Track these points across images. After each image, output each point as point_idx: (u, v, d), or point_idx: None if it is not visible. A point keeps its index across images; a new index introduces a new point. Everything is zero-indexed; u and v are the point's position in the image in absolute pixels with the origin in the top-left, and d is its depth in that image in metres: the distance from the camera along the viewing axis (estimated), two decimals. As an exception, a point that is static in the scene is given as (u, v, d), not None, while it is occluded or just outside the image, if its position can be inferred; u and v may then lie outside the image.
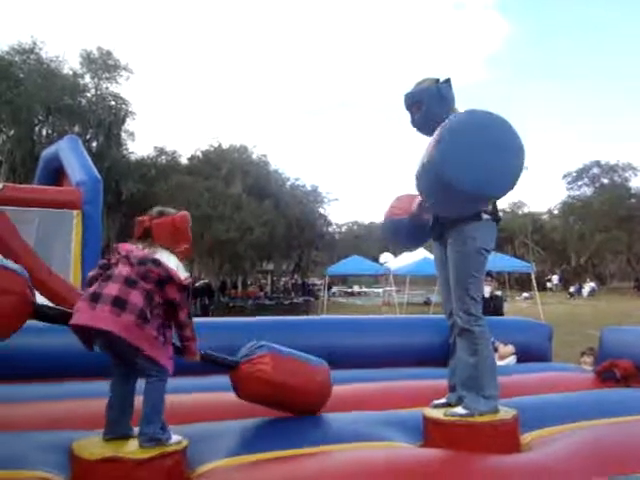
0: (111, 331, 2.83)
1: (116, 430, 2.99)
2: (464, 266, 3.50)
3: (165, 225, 3.18)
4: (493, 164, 3.16)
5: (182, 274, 3.08)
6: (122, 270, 2.99)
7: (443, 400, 3.66)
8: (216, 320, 6.88)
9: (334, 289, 46.83)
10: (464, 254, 3.51)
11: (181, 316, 3.07)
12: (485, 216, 3.53)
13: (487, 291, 8.40)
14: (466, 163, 3.13)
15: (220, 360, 3.68)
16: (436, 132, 3.27)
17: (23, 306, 3.10)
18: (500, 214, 3.75)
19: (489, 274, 8.70)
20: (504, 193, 3.33)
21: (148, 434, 2.87)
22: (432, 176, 3.26)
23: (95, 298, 2.90)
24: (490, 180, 3.17)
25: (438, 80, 3.67)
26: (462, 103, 3.70)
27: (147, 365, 2.94)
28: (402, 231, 4.07)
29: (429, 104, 3.62)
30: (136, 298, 2.90)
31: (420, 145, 3.57)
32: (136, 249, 3.08)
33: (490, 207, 3.57)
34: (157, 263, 3.01)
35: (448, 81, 3.67)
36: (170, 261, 3.08)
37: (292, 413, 3.80)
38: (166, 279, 3.00)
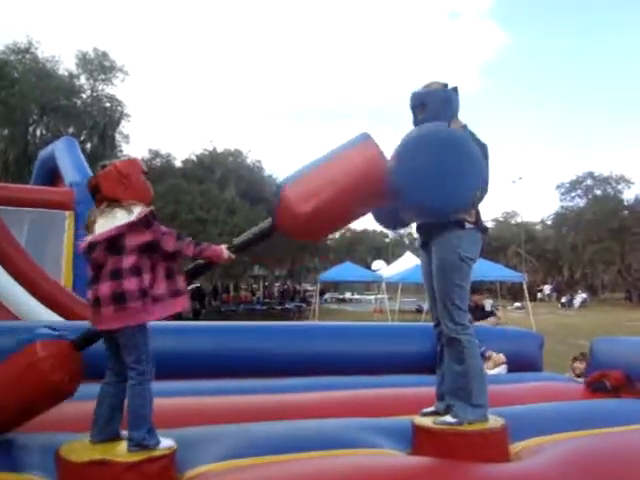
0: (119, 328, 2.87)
1: (105, 432, 2.97)
2: (449, 275, 3.49)
3: (109, 175, 3.01)
4: (451, 178, 3.27)
5: (139, 212, 2.93)
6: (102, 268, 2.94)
7: (432, 408, 3.65)
8: (208, 324, 6.85)
9: (326, 295, 46.77)
10: (448, 263, 3.50)
11: (168, 246, 2.94)
12: (468, 225, 3.53)
13: (489, 304, 8.45)
14: (415, 179, 3.31)
15: (253, 236, 3.41)
16: (398, 144, 3.44)
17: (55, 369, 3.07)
18: (485, 224, 3.75)
19: (488, 289, 8.86)
20: (460, 208, 3.40)
21: (135, 439, 2.86)
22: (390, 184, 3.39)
23: (96, 302, 2.91)
24: (448, 197, 3.31)
25: (446, 85, 3.68)
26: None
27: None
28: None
29: (434, 107, 3.61)
30: (130, 284, 2.87)
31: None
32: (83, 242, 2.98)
33: (473, 217, 3.58)
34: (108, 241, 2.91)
35: (455, 89, 3.69)
36: (119, 218, 2.93)
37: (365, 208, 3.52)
38: (126, 231, 2.90)
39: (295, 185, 3.37)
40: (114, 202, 2.97)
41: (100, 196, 3.00)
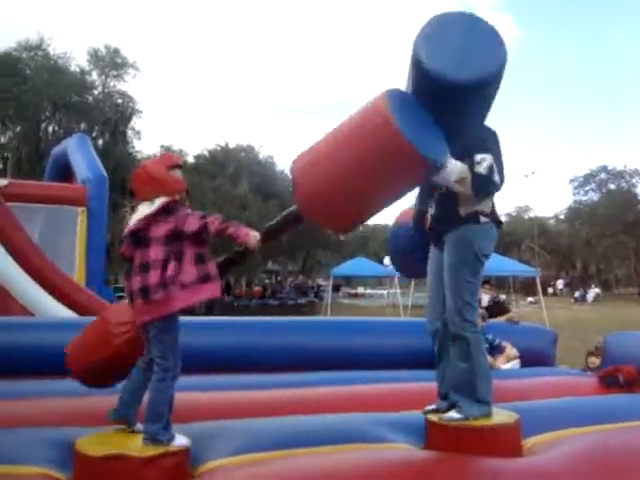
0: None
1: (120, 412, 3.04)
2: (460, 271, 3.44)
3: (139, 177, 3.05)
4: (468, 53, 3.02)
5: (159, 203, 2.95)
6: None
7: (433, 406, 3.62)
8: (222, 319, 6.87)
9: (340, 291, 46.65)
10: (461, 259, 3.45)
11: (193, 226, 2.88)
12: (483, 219, 3.47)
13: (485, 300, 8.11)
14: (440, 45, 3.01)
15: (283, 221, 3.22)
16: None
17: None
18: (501, 217, 3.70)
19: (487, 282, 8.37)
20: (472, 81, 3.03)
21: (149, 433, 2.90)
22: (411, 63, 3.09)
23: (130, 295, 3.00)
24: (461, 64, 2.98)
25: None
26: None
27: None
28: (405, 238, 4.07)
29: None
30: (153, 278, 2.89)
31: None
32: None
33: (489, 208, 3.53)
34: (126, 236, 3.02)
35: None
36: (142, 212, 2.99)
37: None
38: (148, 223, 2.94)
39: (300, 157, 3.09)
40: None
41: (138, 197, 3.08)
